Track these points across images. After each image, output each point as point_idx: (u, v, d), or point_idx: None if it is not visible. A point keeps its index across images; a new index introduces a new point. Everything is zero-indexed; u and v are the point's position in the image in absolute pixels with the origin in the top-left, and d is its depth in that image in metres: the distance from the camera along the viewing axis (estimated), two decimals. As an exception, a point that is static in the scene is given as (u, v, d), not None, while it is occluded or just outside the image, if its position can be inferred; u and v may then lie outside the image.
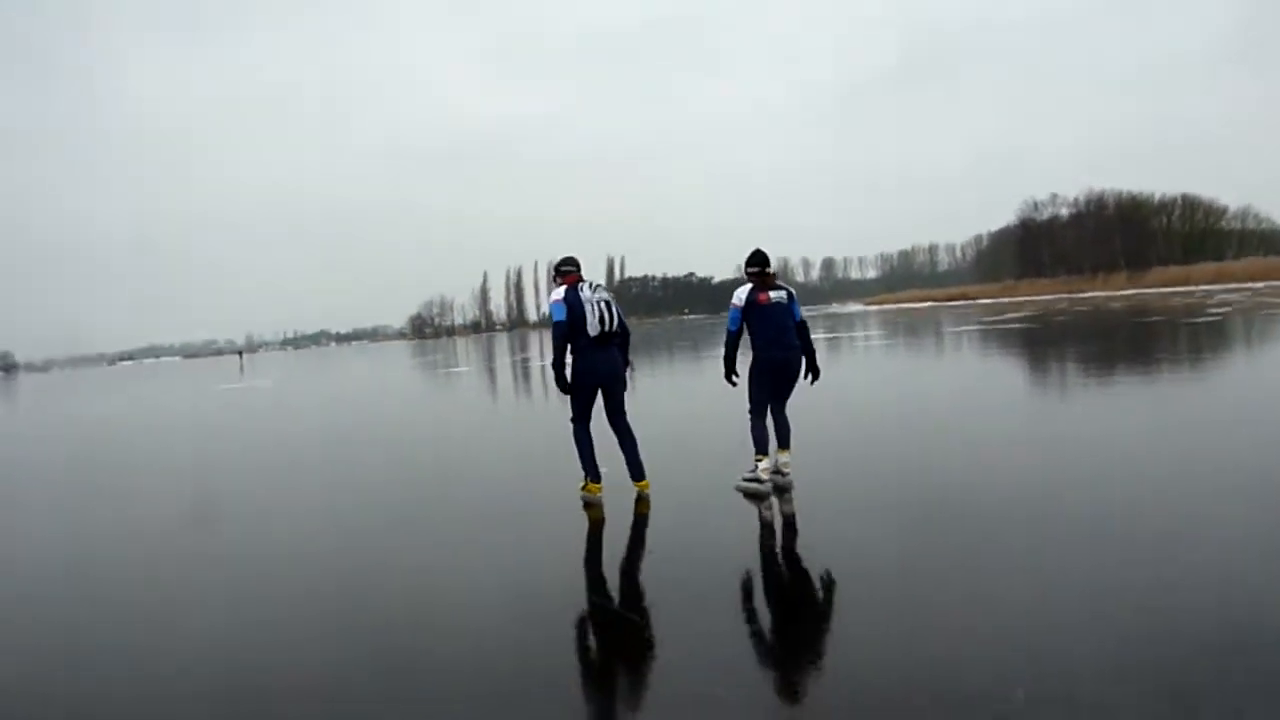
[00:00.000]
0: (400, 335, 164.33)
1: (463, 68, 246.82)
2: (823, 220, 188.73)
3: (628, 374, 6.42)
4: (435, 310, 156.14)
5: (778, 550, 5.05)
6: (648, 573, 4.73)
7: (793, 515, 5.68)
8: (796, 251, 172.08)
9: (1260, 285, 44.99)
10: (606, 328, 5.99)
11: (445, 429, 12.53)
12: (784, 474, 6.40)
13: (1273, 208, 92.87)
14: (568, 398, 6.17)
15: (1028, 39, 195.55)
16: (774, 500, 5.96)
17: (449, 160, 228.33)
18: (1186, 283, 56.54)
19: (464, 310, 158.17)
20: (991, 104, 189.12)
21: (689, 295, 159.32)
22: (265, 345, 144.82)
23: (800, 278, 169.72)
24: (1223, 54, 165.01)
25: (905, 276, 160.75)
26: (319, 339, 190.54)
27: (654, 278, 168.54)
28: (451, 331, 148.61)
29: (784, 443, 6.47)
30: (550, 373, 6.33)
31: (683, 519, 5.71)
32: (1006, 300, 63.15)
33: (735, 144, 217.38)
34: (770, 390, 6.42)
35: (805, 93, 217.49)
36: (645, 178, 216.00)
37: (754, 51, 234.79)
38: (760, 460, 6.23)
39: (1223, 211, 77.63)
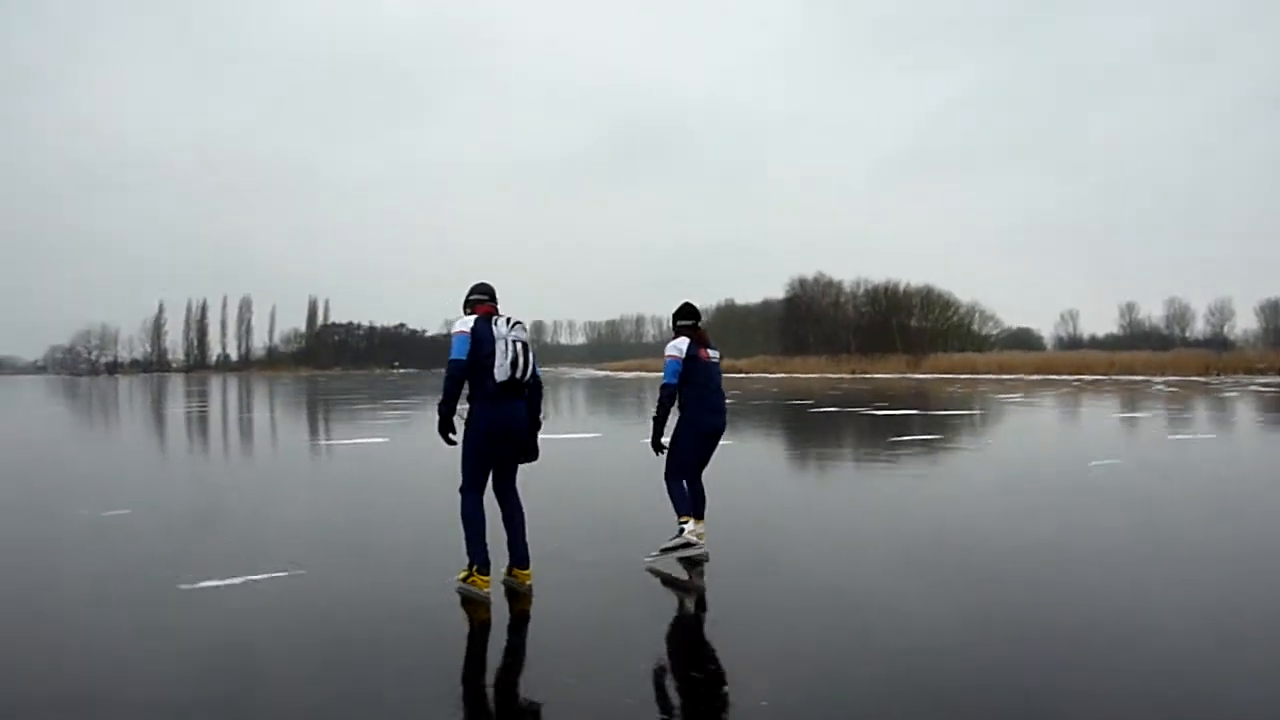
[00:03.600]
0: (37, 369, 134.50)
1: (148, 66, 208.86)
2: (532, 284, 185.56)
3: (539, 434, 5.41)
4: (93, 342, 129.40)
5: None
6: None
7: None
8: (505, 311, 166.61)
9: (1091, 376, 46.71)
10: (519, 374, 5.12)
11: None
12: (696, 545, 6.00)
13: (994, 305, 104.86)
14: (460, 462, 5.18)
15: (737, 136, 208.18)
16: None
17: (120, 174, 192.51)
18: (973, 370, 58.69)
19: (130, 345, 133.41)
20: (696, 193, 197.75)
21: (398, 347, 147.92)
22: None
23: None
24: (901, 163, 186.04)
25: (613, 346, 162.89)
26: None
27: (359, 325, 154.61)
28: (114, 369, 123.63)
29: (700, 513, 6.17)
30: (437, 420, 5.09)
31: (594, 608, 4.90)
32: (809, 376, 61.87)
33: (451, 196, 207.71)
34: (700, 457, 6.20)
35: (528, 156, 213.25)
36: (358, 218, 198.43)
37: (479, 107, 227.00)
38: (686, 522, 5.95)
39: (958, 306, 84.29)
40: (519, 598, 5.04)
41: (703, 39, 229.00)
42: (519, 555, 5.24)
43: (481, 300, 5.40)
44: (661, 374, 6.11)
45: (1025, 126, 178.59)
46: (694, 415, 6.04)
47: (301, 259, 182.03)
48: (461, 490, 5.16)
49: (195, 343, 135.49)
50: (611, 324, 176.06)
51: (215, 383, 66.59)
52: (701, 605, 5.24)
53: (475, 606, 4.89)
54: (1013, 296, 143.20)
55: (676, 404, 6.08)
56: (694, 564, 5.79)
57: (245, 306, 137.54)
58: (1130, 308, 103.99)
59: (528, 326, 5.31)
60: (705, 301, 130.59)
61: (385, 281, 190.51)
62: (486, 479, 5.24)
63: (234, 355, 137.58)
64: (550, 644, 4.37)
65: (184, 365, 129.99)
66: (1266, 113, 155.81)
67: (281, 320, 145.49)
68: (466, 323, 5.15)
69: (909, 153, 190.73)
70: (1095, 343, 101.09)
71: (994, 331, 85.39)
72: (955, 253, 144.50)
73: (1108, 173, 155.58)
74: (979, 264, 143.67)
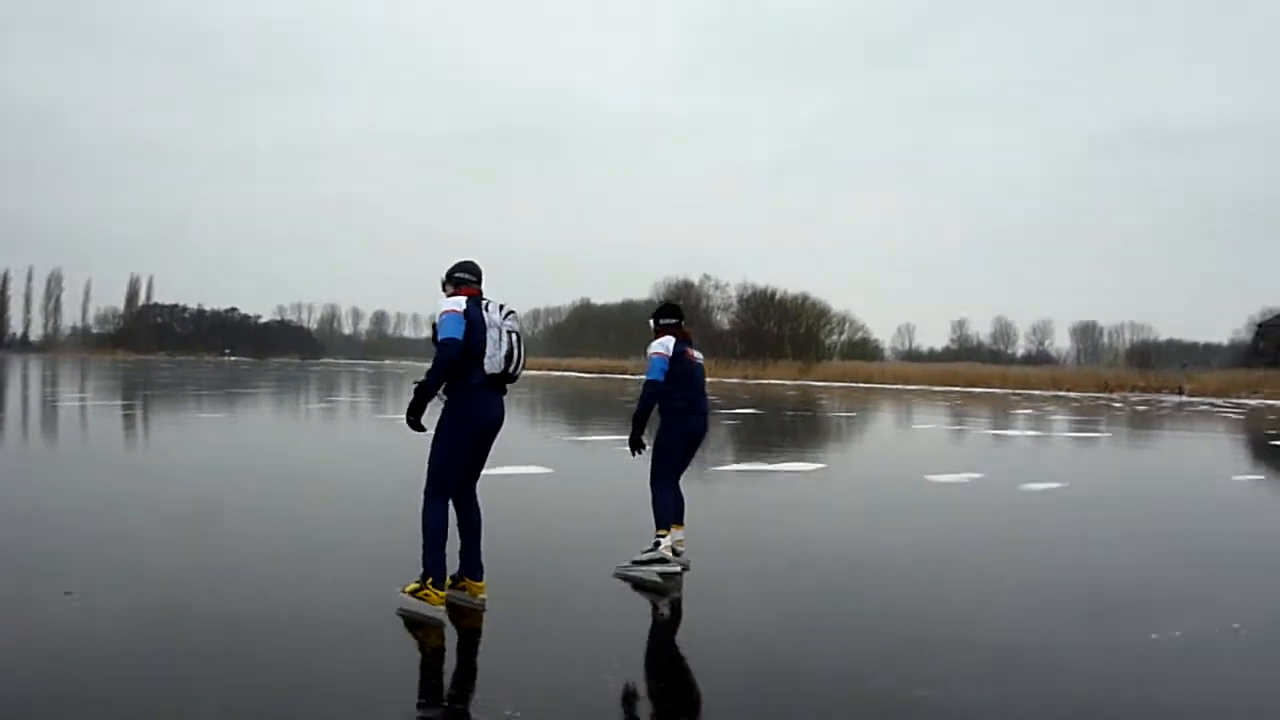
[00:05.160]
0: None
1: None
2: (378, 271, 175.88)
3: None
4: None
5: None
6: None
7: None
8: (346, 300, 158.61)
9: (1039, 392, 48.57)
10: (511, 368, 4.77)
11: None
12: (679, 553, 5.78)
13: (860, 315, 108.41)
14: (430, 467, 4.76)
15: (612, 142, 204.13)
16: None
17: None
18: (869, 380, 60.12)
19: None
20: (560, 196, 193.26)
21: (230, 332, 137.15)
22: None
23: (347, 329, 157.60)
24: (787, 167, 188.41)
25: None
26: None
27: (184, 308, 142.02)
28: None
29: (680, 518, 5.90)
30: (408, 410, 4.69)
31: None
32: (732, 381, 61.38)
33: (297, 174, 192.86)
34: (685, 458, 6.06)
35: (392, 146, 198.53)
36: (189, 194, 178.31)
37: (345, 86, 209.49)
38: (664, 535, 5.68)
39: (830, 316, 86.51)
40: (467, 614, 4.75)
41: (593, 49, 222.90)
42: (474, 565, 4.91)
43: (467, 281, 4.93)
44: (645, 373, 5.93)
45: (886, 145, 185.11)
46: (681, 416, 5.94)
47: (123, 234, 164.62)
48: (427, 493, 4.75)
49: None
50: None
51: (62, 367, 58.48)
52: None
53: (428, 630, 4.49)
54: (858, 307, 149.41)
55: (658, 406, 5.94)
56: (660, 591, 5.51)
57: (55, 281, 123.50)
58: (961, 324, 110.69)
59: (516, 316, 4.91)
60: (561, 300, 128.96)
61: (217, 262, 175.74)
62: (457, 482, 4.85)
63: (36, 334, 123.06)
64: (504, 667, 4.13)
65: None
66: (1106, 153, 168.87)
67: (98, 298, 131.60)
68: (458, 302, 4.72)
69: (777, 165, 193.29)
70: (933, 356, 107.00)
71: (862, 340, 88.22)
72: (815, 263, 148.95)
73: (950, 199, 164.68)
74: (836, 274, 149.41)
